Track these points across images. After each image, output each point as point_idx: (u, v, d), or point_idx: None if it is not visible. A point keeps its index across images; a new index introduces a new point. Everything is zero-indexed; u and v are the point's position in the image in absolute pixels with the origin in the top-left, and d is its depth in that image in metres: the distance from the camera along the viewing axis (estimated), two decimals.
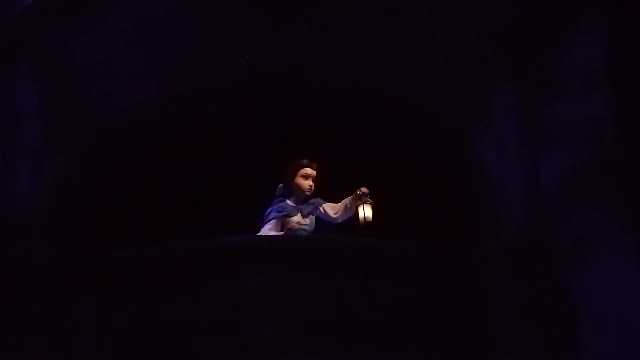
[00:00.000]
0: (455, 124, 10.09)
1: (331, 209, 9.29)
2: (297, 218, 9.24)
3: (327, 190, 9.50)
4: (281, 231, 9.20)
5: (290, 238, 9.17)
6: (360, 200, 9.15)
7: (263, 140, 10.75)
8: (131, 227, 10.39)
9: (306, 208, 9.27)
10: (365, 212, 9.11)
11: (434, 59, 9.92)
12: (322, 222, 9.40)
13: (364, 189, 9.14)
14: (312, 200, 9.32)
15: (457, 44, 9.79)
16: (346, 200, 9.25)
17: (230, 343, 8.66)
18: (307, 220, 9.27)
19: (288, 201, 9.29)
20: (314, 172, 9.29)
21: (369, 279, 8.89)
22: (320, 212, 9.32)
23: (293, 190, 9.32)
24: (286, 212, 9.22)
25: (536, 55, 9.60)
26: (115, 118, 10.20)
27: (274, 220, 9.20)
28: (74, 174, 10.00)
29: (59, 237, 9.72)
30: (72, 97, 9.93)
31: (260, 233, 9.19)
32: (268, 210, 9.29)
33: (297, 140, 10.62)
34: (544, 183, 9.34)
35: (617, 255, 8.71)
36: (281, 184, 9.39)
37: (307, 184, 9.26)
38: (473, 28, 9.72)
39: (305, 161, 9.33)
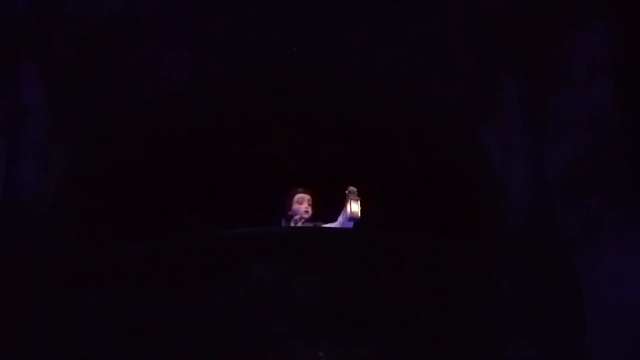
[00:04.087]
0: (460, 115, 10.09)
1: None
2: None
3: (332, 183, 9.56)
4: None
5: (297, 230, 9.22)
6: (347, 197, 9.23)
7: (268, 133, 10.74)
8: (137, 221, 10.40)
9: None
10: (352, 207, 9.14)
11: (439, 50, 9.93)
12: None
13: (351, 188, 9.24)
14: (310, 224, 9.42)
15: (461, 35, 9.80)
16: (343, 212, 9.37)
17: (239, 336, 8.69)
18: None
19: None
20: (307, 196, 9.40)
21: (376, 270, 8.91)
22: None
23: (293, 218, 9.41)
24: None
25: (541, 46, 9.61)
26: (120, 112, 10.20)
27: None
28: (80, 168, 10.00)
29: (64, 232, 9.72)
30: (77, 91, 9.94)
31: None
32: None
33: (302, 134, 10.63)
34: (549, 173, 9.35)
35: (623, 244, 8.74)
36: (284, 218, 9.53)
37: (302, 208, 9.38)
38: (477, 19, 9.73)
39: (299, 189, 9.43)
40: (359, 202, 9.14)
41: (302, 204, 9.34)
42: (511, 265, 9.11)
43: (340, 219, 9.22)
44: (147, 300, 8.93)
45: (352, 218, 9.06)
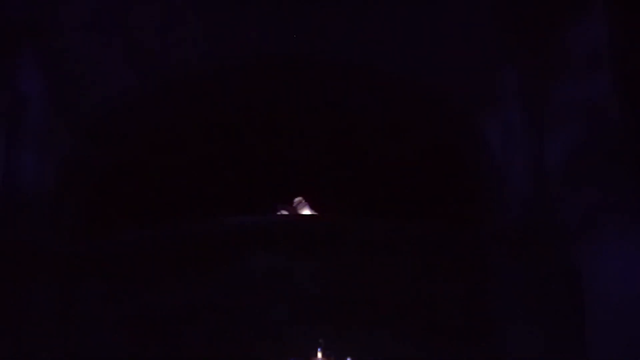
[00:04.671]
0: (459, 104, 10.09)
1: None
2: None
3: (335, 171, 9.62)
4: None
5: (296, 219, 9.24)
6: (298, 207, 9.36)
7: (271, 123, 10.74)
8: (137, 210, 10.37)
9: None
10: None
11: (439, 40, 9.91)
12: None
13: (297, 199, 9.34)
14: None
15: (461, 25, 9.79)
16: None
17: (236, 323, 8.72)
18: None
19: None
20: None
21: (375, 259, 8.95)
22: None
23: None
24: None
25: (541, 35, 9.61)
26: (119, 101, 10.18)
27: None
28: (79, 156, 9.99)
29: (64, 220, 9.71)
30: (76, 80, 9.92)
31: None
32: None
33: (302, 123, 10.62)
34: (548, 162, 9.36)
35: (622, 233, 8.75)
36: None
37: None
38: (477, 8, 9.73)
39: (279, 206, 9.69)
40: (308, 206, 9.29)
41: None
42: (510, 253, 9.14)
43: None
44: (147, 288, 8.96)
45: None
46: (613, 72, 9.19)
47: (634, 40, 9.20)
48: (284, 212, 9.59)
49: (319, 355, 7.76)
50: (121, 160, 10.42)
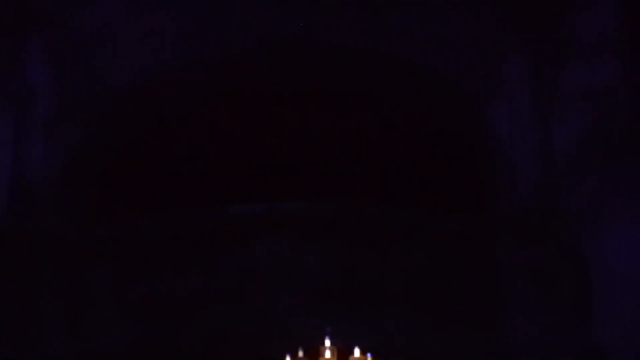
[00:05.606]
0: (466, 90, 10.05)
1: None
2: None
3: (342, 159, 9.61)
4: None
5: (300, 207, 9.23)
6: None
7: (276, 111, 10.73)
8: (145, 198, 10.40)
9: None
10: None
11: (445, 25, 9.88)
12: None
13: None
14: None
15: (468, 10, 9.75)
16: None
17: (242, 312, 8.75)
18: None
19: None
20: None
21: (380, 246, 8.95)
22: None
23: None
24: None
25: (548, 21, 9.57)
26: (126, 89, 10.19)
27: None
28: (87, 144, 10.01)
29: (73, 208, 9.74)
30: (84, 68, 9.93)
31: None
32: None
33: (307, 109, 10.62)
34: (556, 148, 9.35)
35: (631, 219, 8.76)
36: None
37: None
38: None
39: None
40: None
41: None
42: (518, 239, 9.14)
43: None
44: (152, 276, 8.99)
45: None
46: (622, 57, 9.16)
47: None
48: None
49: (327, 343, 7.73)
50: (128, 149, 10.44)
